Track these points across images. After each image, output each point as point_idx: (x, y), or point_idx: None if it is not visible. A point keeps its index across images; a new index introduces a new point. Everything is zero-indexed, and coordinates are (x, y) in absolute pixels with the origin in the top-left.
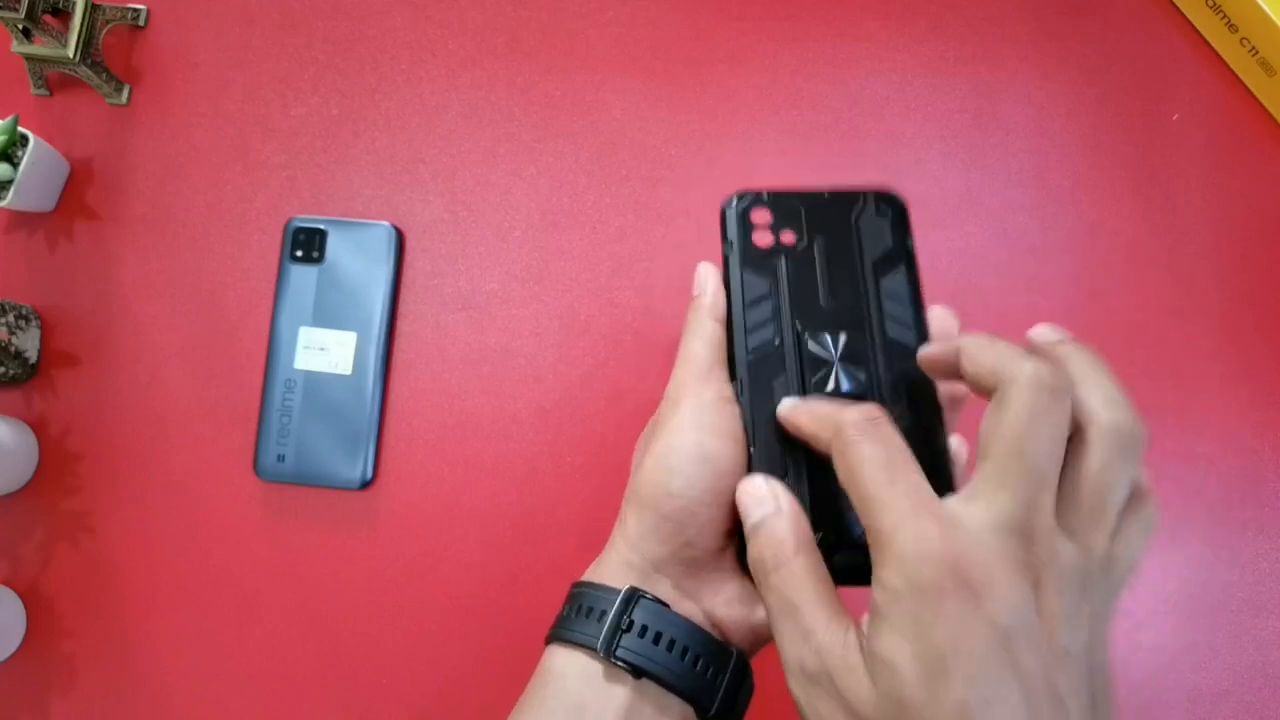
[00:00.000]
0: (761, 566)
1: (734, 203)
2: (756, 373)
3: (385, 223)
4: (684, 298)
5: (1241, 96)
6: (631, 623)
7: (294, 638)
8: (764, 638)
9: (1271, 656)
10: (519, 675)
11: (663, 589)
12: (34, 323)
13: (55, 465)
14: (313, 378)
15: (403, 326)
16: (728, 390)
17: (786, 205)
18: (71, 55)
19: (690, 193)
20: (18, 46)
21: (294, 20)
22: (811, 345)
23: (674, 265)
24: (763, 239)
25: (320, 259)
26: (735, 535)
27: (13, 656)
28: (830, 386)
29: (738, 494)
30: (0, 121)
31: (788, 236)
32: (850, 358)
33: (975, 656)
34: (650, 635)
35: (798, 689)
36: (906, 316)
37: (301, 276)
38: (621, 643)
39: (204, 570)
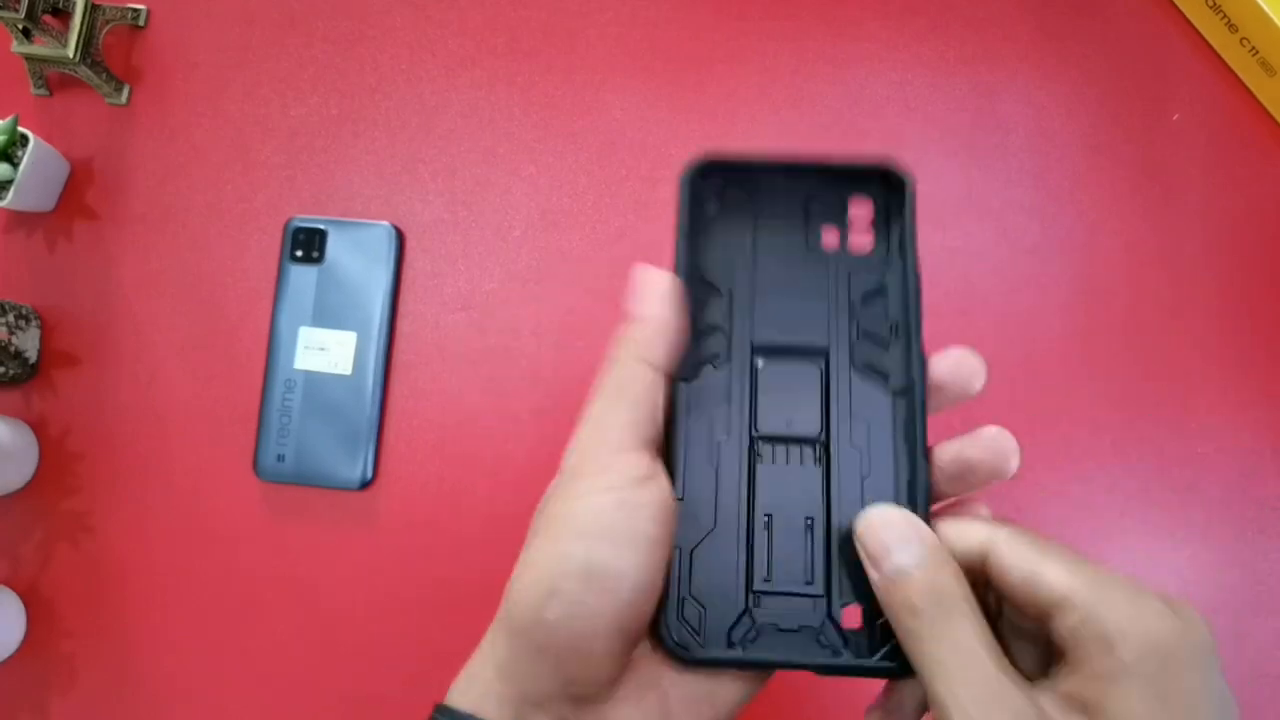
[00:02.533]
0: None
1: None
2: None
3: (385, 223)
4: None
5: (1241, 96)
6: None
7: (294, 638)
8: None
9: (1271, 656)
10: None
11: None
12: (34, 323)
13: (55, 465)
14: (313, 378)
15: (403, 326)
16: (640, 466)
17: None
18: (71, 55)
19: None
20: (18, 46)
21: (294, 20)
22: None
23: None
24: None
25: (320, 259)
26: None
27: (13, 656)
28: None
29: (867, 530)
30: (0, 121)
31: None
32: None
33: None
34: None
35: None
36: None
37: (301, 276)
38: None
39: (204, 570)
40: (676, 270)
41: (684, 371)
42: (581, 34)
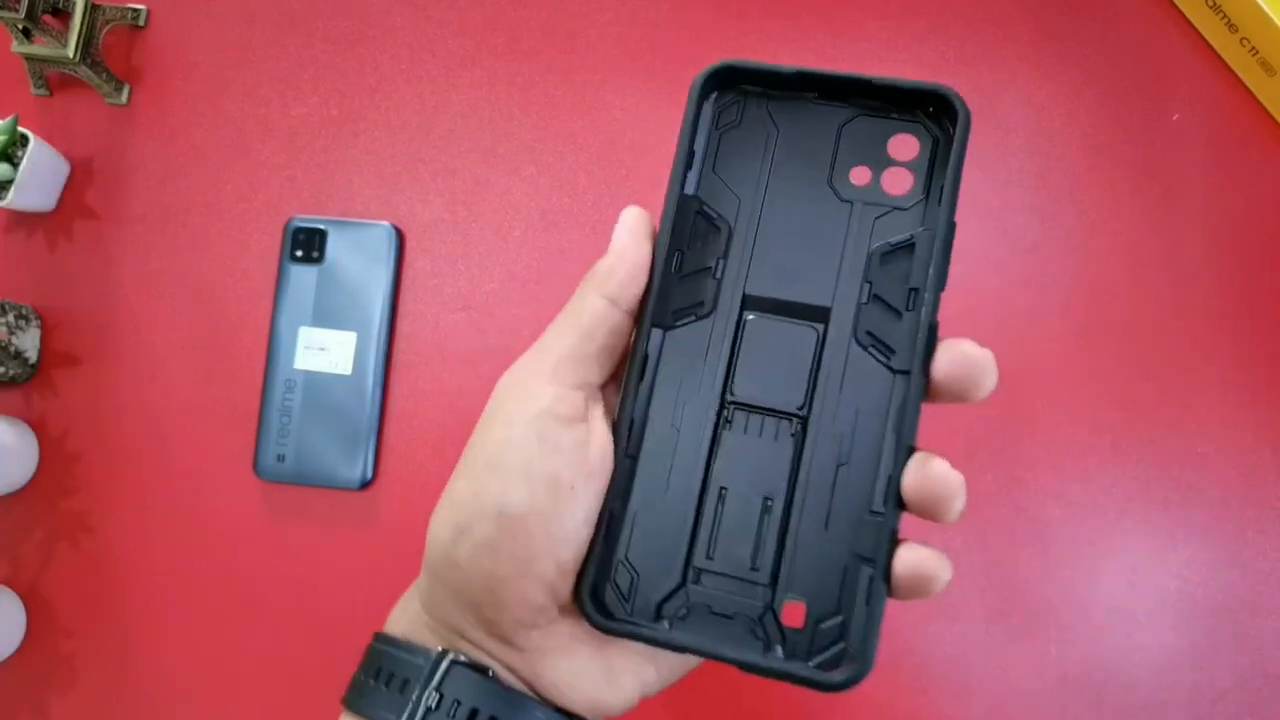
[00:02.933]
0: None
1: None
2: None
3: (385, 223)
4: None
5: (1241, 96)
6: (441, 697)
7: (294, 638)
8: (614, 715)
9: (1271, 656)
10: None
11: (480, 658)
12: (34, 322)
13: (55, 465)
14: (313, 378)
15: (403, 326)
16: (568, 404)
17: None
18: (71, 55)
19: None
20: (18, 46)
21: (294, 20)
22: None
23: None
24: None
25: (320, 259)
26: (575, 579)
27: (13, 656)
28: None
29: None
30: (0, 121)
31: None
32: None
33: None
34: (463, 712)
35: None
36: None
37: (301, 276)
38: None
39: (204, 570)
40: (669, 195)
41: (662, 316)
42: (581, 34)
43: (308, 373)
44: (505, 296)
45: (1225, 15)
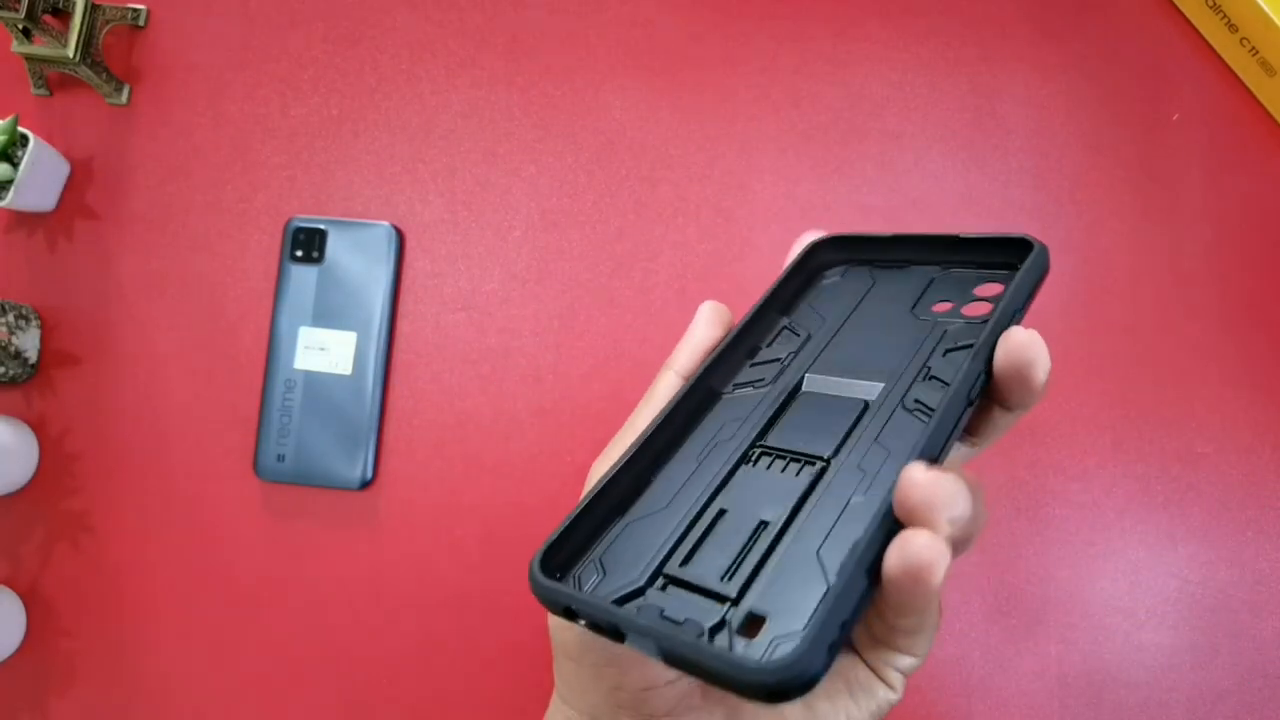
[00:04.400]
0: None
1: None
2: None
3: (385, 223)
4: (683, 297)
5: (1241, 96)
6: None
7: (294, 637)
8: None
9: (1271, 656)
10: (518, 675)
11: None
12: (34, 322)
13: (55, 465)
14: (313, 378)
15: (403, 326)
16: None
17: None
18: (71, 55)
19: (690, 193)
20: (18, 46)
21: (294, 20)
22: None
23: (674, 265)
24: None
25: (320, 259)
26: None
27: (13, 656)
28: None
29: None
30: (0, 121)
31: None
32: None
33: None
34: None
35: None
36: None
37: (301, 276)
38: None
39: (204, 570)
40: (758, 305)
41: (721, 383)
42: (581, 34)
43: (308, 373)
44: (505, 296)
45: (1225, 15)
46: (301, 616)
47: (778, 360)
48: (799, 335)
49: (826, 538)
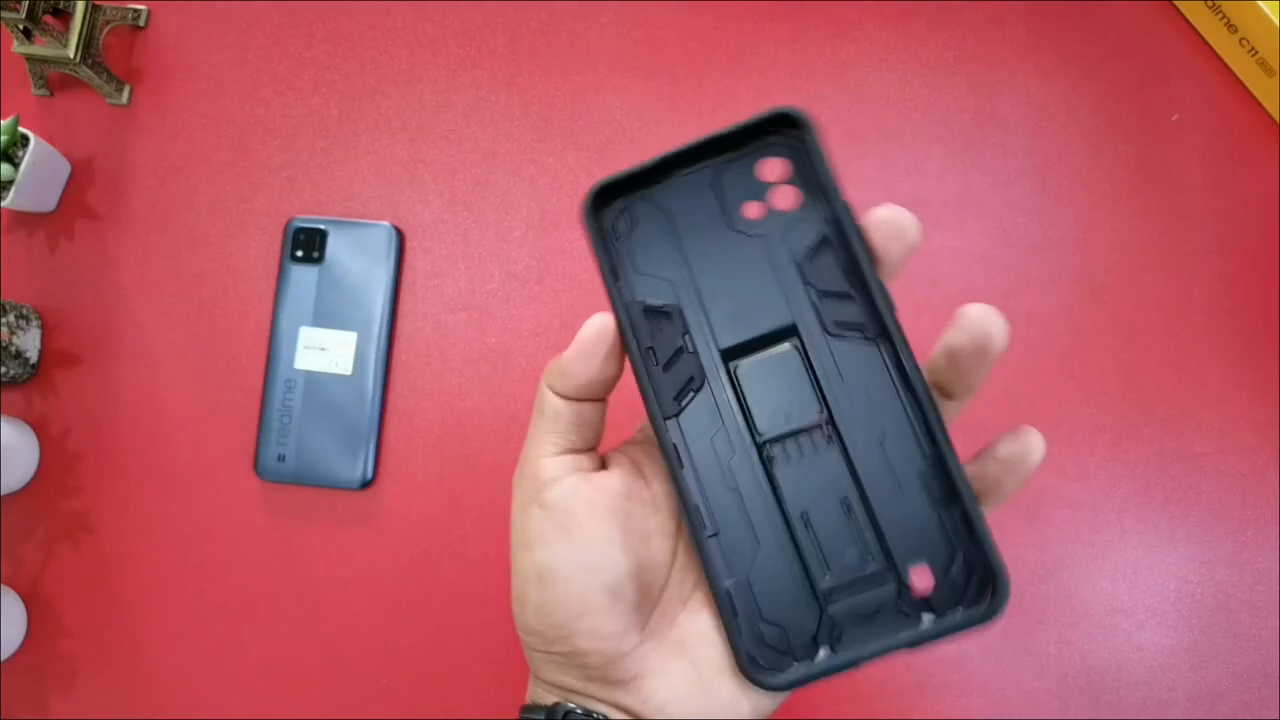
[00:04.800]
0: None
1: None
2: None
3: (385, 223)
4: None
5: (1241, 96)
6: None
7: (294, 637)
8: None
9: (1271, 656)
10: (518, 675)
11: (594, 707)
12: (34, 323)
13: (56, 465)
14: (313, 378)
15: (403, 326)
16: (554, 468)
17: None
18: (72, 55)
19: None
20: (18, 46)
21: (294, 20)
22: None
23: None
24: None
25: (320, 259)
26: (733, 659)
27: (13, 656)
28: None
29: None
30: (1, 122)
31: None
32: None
33: None
34: None
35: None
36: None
37: (302, 276)
38: None
39: (204, 570)
40: (614, 309)
41: (668, 408)
42: (581, 34)
43: (308, 373)
44: (505, 296)
45: (1225, 15)
46: (301, 616)
47: (681, 349)
48: (668, 313)
49: (899, 484)
